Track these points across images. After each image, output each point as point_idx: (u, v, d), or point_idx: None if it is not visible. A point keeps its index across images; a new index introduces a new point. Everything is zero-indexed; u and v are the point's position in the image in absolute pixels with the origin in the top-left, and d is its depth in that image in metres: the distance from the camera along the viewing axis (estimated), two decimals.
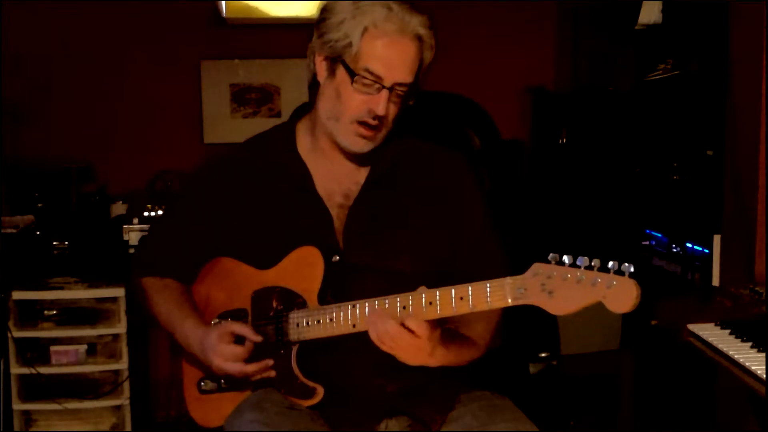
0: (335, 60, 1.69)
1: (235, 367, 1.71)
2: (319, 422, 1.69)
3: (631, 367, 3.20)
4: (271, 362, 1.73)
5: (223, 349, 1.71)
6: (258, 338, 1.73)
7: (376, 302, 1.61)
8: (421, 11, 1.69)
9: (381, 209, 1.78)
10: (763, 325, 1.89)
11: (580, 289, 1.39)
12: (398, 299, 1.58)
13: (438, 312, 1.54)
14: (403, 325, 1.55)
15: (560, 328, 3.38)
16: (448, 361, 1.65)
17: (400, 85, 1.68)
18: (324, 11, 1.72)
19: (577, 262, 1.40)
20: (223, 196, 1.83)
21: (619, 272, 1.37)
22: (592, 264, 1.39)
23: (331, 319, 1.67)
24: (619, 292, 1.36)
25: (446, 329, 1.64)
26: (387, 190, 1.79)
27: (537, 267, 1.45)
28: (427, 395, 1.75)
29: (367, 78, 1.66)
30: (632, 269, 1.36)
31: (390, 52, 1.66)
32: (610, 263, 1.37)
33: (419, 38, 1.68)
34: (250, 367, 1.72)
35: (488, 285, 1.50)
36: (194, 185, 1.92)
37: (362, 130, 1.70)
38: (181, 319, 1.81)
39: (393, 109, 1.71)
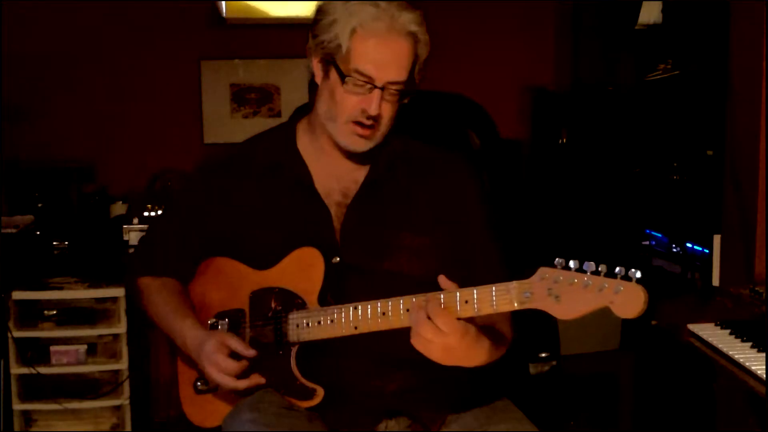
0: (328, 62, 1.69)
1: (226, 381, 1.70)
2: (317, 423, 1.69)
3: (631, 367, 3.20)
4: (263, 380, 1.72)
5: (218, 360, 1.69)
6: (252, 353, 1.71)
7: (379, 304, 1.60)
8: (413, 8, 1.68)
9: (379, 208, 1.78)
10: (763, 325, 1.89)
11: (587, 294, 1.39)
12: (401, 301, 1.57)
13: None
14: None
15: (560, 328, 3.38)
16: (490, 359, 1.61)
17: (392, 83, 1.67)
18: (317, 12, 1.71)
19: (584, 267, 1.39)
20: (221, 194, 1.83)
21: (626, 278, 1.36)
22: (599, 269, 1.38)
23: (332, 321, 1.67)
24: (627, 298, 1.36)
25: (482, 327, 1.60)
26: (386, 189, 1.79)
27: (543, 271, 1.44)
28: (427, 396, 1.75)
29: (357, 79, 1.66)
30: (639, 275, 1.35)
31: (380, 52, 1.65)
32: (617, 269, 1.37)
33: (412, 35, 1.67)
34: (241, 383, 1.70)
35: (494, 288, 1.49)
36: (193, 184, 1.91)
37: (358, 130, 1.70)
38: (180, 319, 1.80)
39: (388, 108, 1.70)
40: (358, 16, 1.64)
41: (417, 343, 1.52)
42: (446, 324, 1.49)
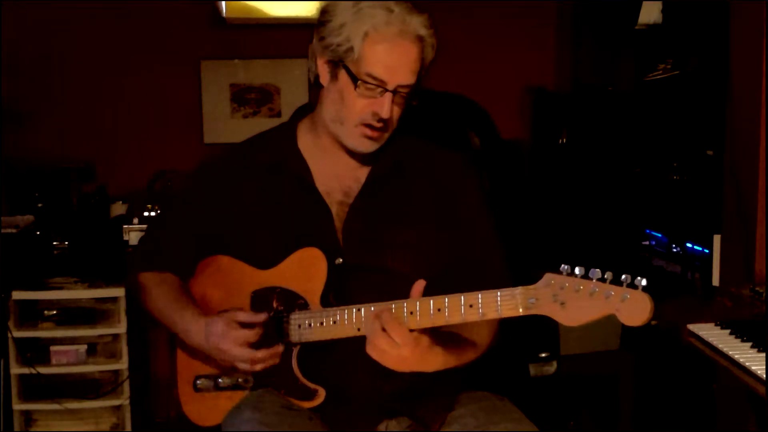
0: (337, 64, 1.69)
1: (245, 353, 1.70)
2: (318, 423, 1.69)
3: (631, 367, 3.20)
4: (281, 348, 1.72)
5: (232, 334, 1.70)
6: (262, 317, 1.72)
7: (382, 306, 1.61)
8: (422, 11, 1.69)
9: (381, 207, 1.78)
10: (763, 325, 1.89)
11: (593, 301, 1.39)
12: (405, 304, 1.57)
13: (446, 318, 1.53)
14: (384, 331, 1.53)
15: (560, 328, 3.38)
16: (447, 365, 1.63)
17: (403, 86, 1.68)
18: (324, 13, 1.71)
19: (590, 274, 1.40)
20: (222, 193, 1.83)
21: (632, 285, 1.37)
22: (605, 276, 1.39)
23: (334, 322, 1.67)
24: (633, 306, 1.36)
25: (443, 333, 1.62)
26: (388, 188, 1.79)
27: (549, 277, 1.44)
28: (427, 396, 1.75)
29: (370, 83, 1.66)
30: (645, 282, 1.36)
31: (392, 56, 1.65)
32: (623, 276, 1.37)
33: (420, 39, 1.67)
34: (260, 353, 1.71)
35: (499, 294, 1.49)
36: (194, 182, 1.91)
37: (368, 132, 1.70)
38: (181, 310, 1.80)
39: (397, 110, 1.71)
40: (370, 19, 1.64)
41: (372, 352, 1.55)
42: (399, 336, 1.52)
